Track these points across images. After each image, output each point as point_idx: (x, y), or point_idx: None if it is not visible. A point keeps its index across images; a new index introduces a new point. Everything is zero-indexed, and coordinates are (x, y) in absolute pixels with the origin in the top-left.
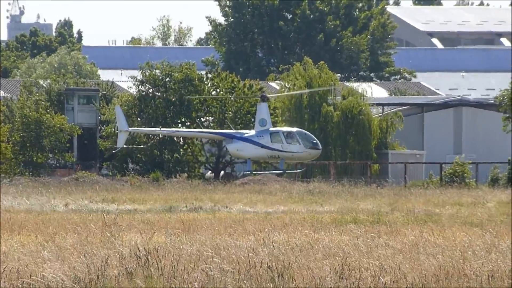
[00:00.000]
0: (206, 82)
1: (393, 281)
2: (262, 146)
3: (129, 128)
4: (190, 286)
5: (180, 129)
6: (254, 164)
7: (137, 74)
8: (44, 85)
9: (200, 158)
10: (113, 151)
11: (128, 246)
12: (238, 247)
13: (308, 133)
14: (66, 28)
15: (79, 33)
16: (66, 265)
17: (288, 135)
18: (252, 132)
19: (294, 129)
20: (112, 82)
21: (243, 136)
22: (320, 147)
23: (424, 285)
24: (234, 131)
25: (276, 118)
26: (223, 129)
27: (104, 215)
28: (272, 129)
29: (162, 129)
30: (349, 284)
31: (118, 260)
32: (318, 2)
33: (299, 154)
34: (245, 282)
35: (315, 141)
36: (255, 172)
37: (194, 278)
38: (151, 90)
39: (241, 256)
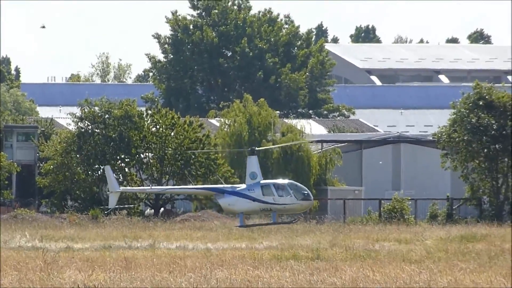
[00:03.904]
0: (146, 119)
1: None
2: (254, 200)
3: (120, 188)
4: None
5: (170, 187)
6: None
7: (76, 110)
8: None
9: (139, 195)
10: (105, 212)
11: (68, 283)
12: (177, 284)
13: (299, 184)
14: (4, 65)
15: (17, 70)
16: None
17: (280, 187)
18: (242, 186)
19: (286, 181)
20: (51, 119)
21: (234, 190)
22: (312, 198)
23: None
24: (225, 185)
25: (216, 155)
26: (163, 167)
27: (44, 252)
28: (263, 182)
29: (152, 187)
30: None
31: None
32: (257, 39)
33: (291, 206)
34: None
35: (306, 192)
36: (248, 225)
37: None
38: (90, 126)
39: None
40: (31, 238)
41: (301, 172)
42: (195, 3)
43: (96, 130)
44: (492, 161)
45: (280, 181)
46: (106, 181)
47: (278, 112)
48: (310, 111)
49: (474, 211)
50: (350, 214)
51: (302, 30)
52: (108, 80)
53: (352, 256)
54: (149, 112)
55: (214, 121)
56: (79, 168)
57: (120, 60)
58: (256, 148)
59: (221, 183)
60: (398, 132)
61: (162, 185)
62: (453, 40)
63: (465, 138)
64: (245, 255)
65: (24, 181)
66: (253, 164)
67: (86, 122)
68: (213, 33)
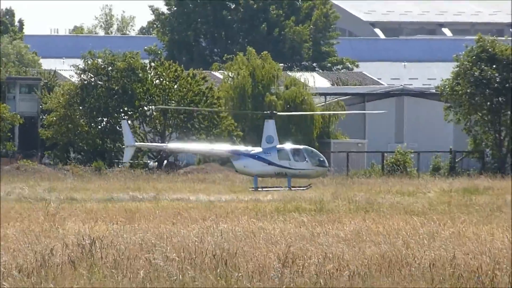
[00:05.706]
0: (149, 71)
1: (336, 269)
2: (270, 163)
3: (136, 143)
4: (133, 275)
5: (187, 144)
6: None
7: (79, 63)
8: None
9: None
10: (119, 165)
11: (71, 235)
12: (181, 235)
13: (315, 150)
14: (7, 17)
15: (21, 22)
16: (9, 253)
17: (296, 152)
18: (258, 149)
19: (302, 147)
20: (54, 71)
21: (250, 153)
22: (327, 164)
23: (367, 273)
24: (241, 147)
25: (220, 108)
26: (166, 119)
27: (47, 204)
28: (279, 146)
29: (169, 144)
30: (293, 272)
31: (62, 249)
32: None
33: (306, 171)
34: (190, 270)
35: (322, 159)
36: (261, 188)
37: (137, 266)
38: (93, 79)
39: (185, 244)
40: (34, 190)
41: (304, 125)
42: None
43: (99, 83)
44: (495, 114)
45: (296, 146)
46: (109, 133)
47: (281, 65)
48: (314, 64)
49: (476, 164)
50: (353, 167)
51: None
52: (112, 33)
53: (355, 209)
54: (153, 64)
55: (218, 74)
56: (82, 120)
57: (124, 12)
58: (276, 112)
59: (237, 144)
60: (401, 85)
61: (165, 138)
62: None
63: (468, 91)
64: (248, 207)
65: (27, 133)
66: (270, 128)
67: (89, 74)
68: None
